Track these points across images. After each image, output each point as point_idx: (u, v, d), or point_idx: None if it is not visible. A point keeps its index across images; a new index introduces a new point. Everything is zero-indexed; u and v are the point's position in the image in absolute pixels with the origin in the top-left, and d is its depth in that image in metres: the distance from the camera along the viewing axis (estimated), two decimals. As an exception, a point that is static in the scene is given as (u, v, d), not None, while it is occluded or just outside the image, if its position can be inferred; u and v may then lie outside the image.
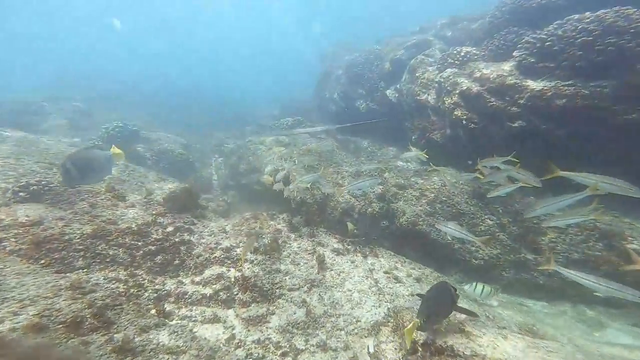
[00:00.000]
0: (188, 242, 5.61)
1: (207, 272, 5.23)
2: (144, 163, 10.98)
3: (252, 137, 12.41)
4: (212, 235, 6.01)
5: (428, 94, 9.59)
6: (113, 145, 4.73)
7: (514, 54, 6.99)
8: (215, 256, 5.51)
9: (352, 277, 5.89)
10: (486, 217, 7.31)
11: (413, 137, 10.04)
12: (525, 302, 6.24)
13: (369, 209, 8.50)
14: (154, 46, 56.55)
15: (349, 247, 6.79)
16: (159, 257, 5.10)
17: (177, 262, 5.17)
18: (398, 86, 11.58)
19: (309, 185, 8.47)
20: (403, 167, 9.99)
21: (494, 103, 6.99)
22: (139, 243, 5.16)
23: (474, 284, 4.44)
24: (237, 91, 32.90)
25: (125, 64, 43.77)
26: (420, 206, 7.90)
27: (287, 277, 5.55)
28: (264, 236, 6.14)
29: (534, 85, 6.39)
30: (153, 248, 5.20)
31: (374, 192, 8.78)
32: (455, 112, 7.91)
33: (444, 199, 7.74)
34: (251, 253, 5.52)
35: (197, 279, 5.08)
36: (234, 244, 5.83)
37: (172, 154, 11.94)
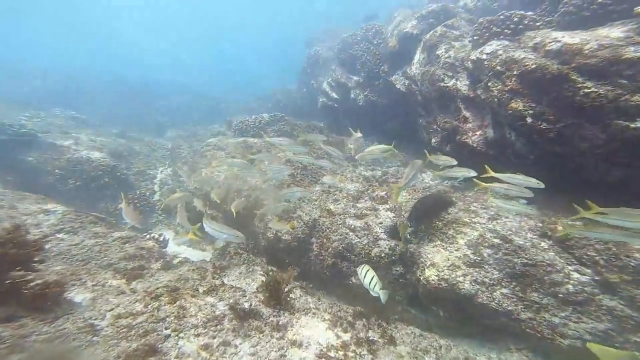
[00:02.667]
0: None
1: None
2: (41, 181, 7.72)
3: (212, 139, 9.18)
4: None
5: (457, 79, 6.73)
6: None
7: (636, 10, 4.14)
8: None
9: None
10: (572, 268, 4.50)
11: (433, 140, 7.16)
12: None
13: (375, 250, 5.62)
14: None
15: (348, 334, 3.88)
16: None
17: None
18: (408, 70, 8.66)
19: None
20: (422, 182, 7.12)
21: (593, 90, 4.17)
22: None
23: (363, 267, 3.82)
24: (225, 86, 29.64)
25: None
26: (457, 250, 5.06)
27: None
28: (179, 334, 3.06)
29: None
30: None
31: (381, 224, 5.90)
32: (512, 104, 5.07)
33: (496, 240, 4.90)
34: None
35: None
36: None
37: (91, 166, 8.54)
